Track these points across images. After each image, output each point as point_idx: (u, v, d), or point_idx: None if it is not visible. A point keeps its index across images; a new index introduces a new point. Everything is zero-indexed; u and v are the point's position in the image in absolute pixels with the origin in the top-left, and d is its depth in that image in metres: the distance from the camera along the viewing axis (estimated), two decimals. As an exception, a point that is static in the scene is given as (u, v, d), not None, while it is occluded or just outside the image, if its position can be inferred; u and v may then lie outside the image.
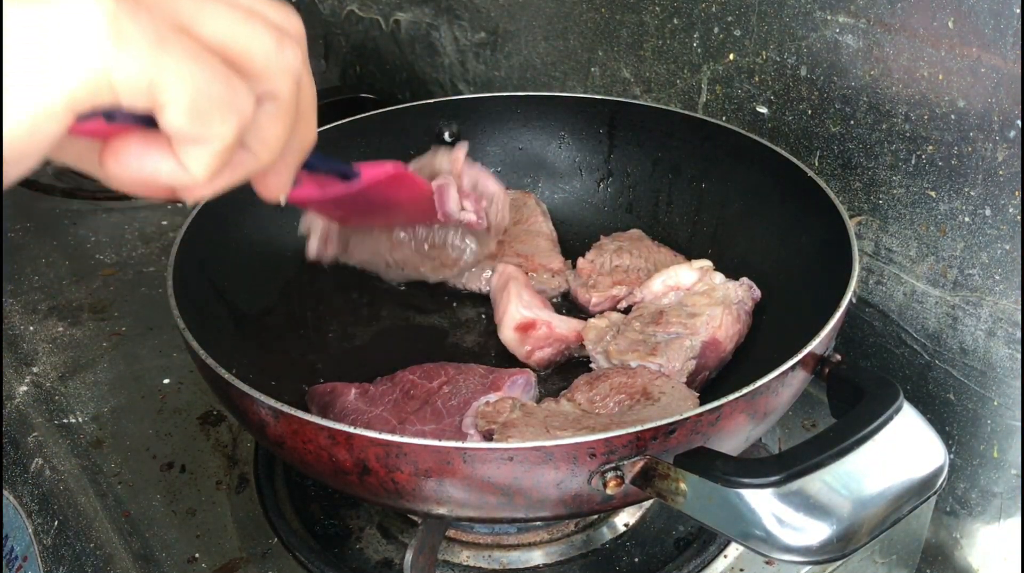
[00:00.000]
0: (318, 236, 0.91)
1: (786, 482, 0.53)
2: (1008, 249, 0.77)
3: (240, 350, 0.82)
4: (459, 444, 0.56)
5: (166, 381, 0.96)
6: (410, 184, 0.81)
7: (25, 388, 0.97)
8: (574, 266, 0.99)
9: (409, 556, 0.67)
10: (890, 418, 0.59)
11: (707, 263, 0.90)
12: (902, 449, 0.58)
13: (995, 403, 0.83)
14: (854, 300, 0.93)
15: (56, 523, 0.81)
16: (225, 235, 0.89)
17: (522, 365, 0.88)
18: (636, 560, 0.76)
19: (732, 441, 0.63)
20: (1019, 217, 0.76)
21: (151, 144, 0.41)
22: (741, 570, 0.75)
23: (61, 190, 1.34)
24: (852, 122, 0.87)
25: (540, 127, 1.07)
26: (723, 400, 0.59)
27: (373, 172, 0.71)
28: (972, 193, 0.79)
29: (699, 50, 1.00)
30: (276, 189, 0.51)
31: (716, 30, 0.97)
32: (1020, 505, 0.85)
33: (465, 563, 0.76)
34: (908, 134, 0.82)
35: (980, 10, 0.72)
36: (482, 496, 0.58)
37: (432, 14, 1.41)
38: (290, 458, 0.64)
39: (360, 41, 1.59)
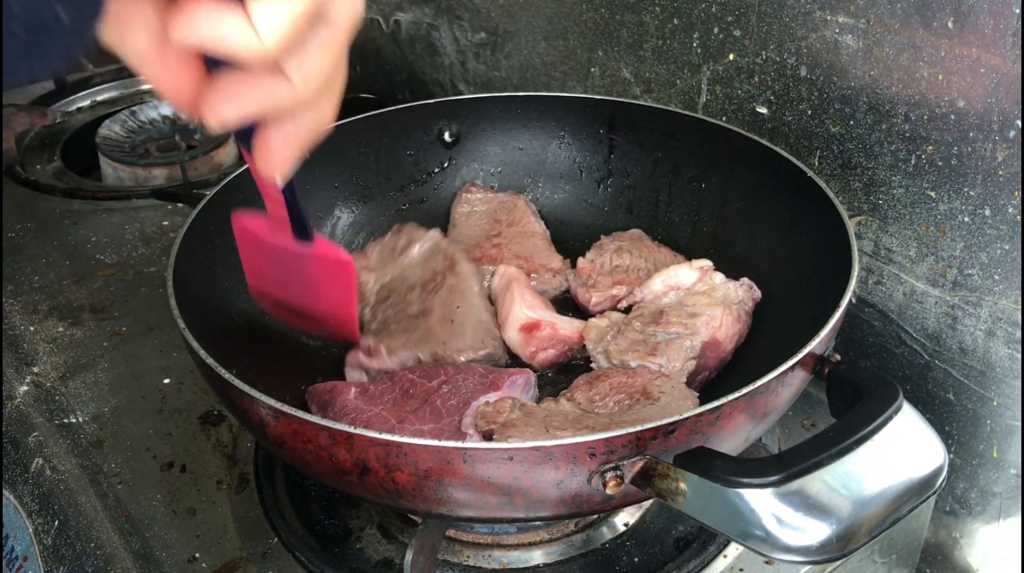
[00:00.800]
0: None
1: (786, 482, 0.54)
2: (1008, 249, 0.77)
3: (240, 350, 0.82)
4: (459, 444, 0.56)
5: (166, 381, 0.97)
6: (346, 289, 0.73)
7: (25, 388, 0.97)
8: (573, 266, 0.99)
9: (409, 556, 0.67)
10: (890, 418, 0.59)
11: (707, 263, 0.90)
12: (902, 449, 0.58)
13: (995, 403, 0.83)
14: (854, 300, 0.93)
15: (56, 523, 0.81)
16: (225, 235, 0.89)
17: (522, 365, 0.88)
18: (636, 560, 0.76)
19: (732, 441, 0.63)
20: (1019, 217, 0.76)
21: (224, 4, 0.39)
22: (741, 570, 0.75)
23: (61, 190, 1.34)
24: (852, 122, 0.87)
25: (540, 127, 1.07)
26: (723, 400, 0.59)
27: (329, 248, 0.67)
28: (972, 193, 0.79)
29: (699, 50, 1.00)
30: (279, 160, 0.49)
31: (716, 30, 0.97)
32: (1020, 505, 0.85)
33: (465, 563, 0.76)
34: (908, 134, 0.82)
35: (980, 10, 0.72)
36: (482, 496, 0.58)
37: (432, 14, 1.41)
38: (290, 458, 0.64)
39: (360, 41, 1.59)
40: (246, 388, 0.61)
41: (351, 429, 0.57)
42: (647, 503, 0.80)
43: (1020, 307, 0.78)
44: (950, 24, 0.75)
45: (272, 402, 0.60)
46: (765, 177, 0.90)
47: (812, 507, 0.53)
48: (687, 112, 1.00)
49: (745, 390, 0.59)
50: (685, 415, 0.57)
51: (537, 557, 0.77)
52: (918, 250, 0.85)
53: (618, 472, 0.57)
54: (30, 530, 0.83)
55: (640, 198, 1.04)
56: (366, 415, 0.76)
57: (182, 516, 0.80)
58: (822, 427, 0.72)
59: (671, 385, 0.78)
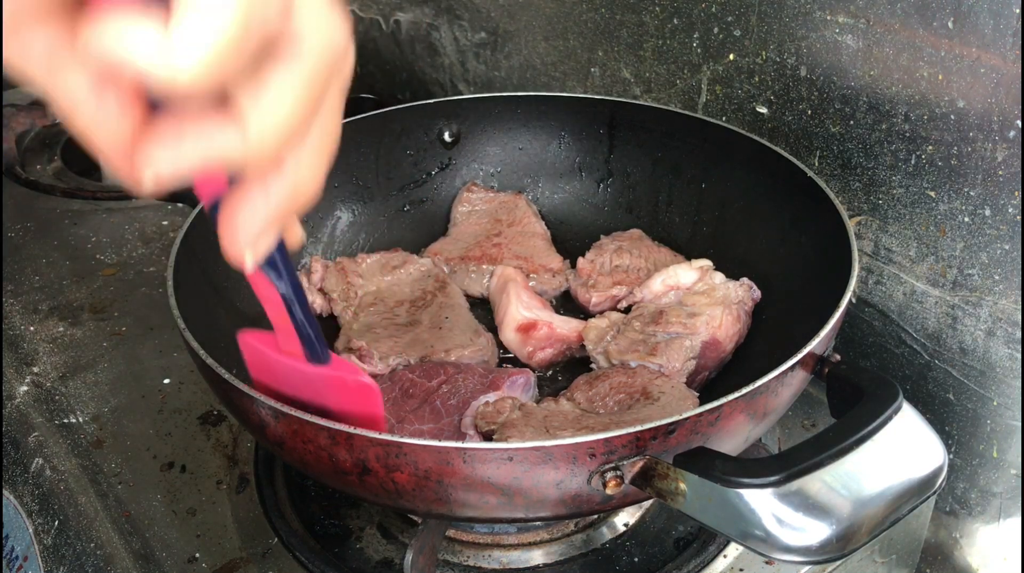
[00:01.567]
0: (313, 297, 0.94)
1: (786, 482, 0.54)
2: (1008, 249, 0.77)
3: (240, 350, 0.82)
4: (459, 444, 0.56)
5: (166, 381, 0.96)
6: (370, 411, 0.60)
7: (25, 388, 0.97)
8: (573, 266, 0.99)
9: (409, 556, 0.67)
10: (890, 418, 0.59)
11: (707, 263, 0.90)
12: (902, 449, 0.58)
13: (995, 403, 0.83)
14: (854, 300, 0.93)
15: (56, 523, 0.81)
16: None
17: (522, 366, 0.88)
18: (636, 560, 0.76)
19: (732, 441, 0.63)
20: (1019, 217, 0.76)
21: (143, 9, 0.31)
22: (741, 570, 0.75)
23: (61, 190, 1.34)
24: (852, 122, 0.87)
25: (540, 127, 1.07)
26: (723, 400, 0.59)
27: (348, 371, 0.57)
28: (972, 193, 0.79)
29: (699, 50, 1.00)
30: (245, 236, 0.38)
31: (716, 30, 0.97)
32: (1020, 505, 0.85)
33: (465, 563, 0.76)
34: (908, 134, 0.82)
35: (980, 10, 0.72)
36: (482, 496, 0.58)
37: (432, 14, 1.41)
38: (290, 458, 0.64)
39: (360, 41, 1.59)
40: (246, 388, 0.61)
41: (351, 429, 0.57)
42: (647, 503, 0.80)
43: (1020, 307, 0.78)
44: (950, 24, 0.75)
45: (272, 402, 0.60)
46: (765, 177, 0.90)
47: (812, 507, 0.53)
48: (687, 112, 1.00)
49: (745, 390, 0.59)
50: (685, 415, 0.57)
51: (537, 557, 0.77)
52: (918, 250, 0.85)
53: (618, 472, 0.57)
54: (30, 530, 0.83)
55: (640, 198, 1.04)
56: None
57: (182, 516, 0.80)
58: (822, 427, 0.72)
59: (671, 385, 0.78)
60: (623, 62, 1.11)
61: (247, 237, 0.39)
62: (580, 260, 0.98)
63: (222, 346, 0.69)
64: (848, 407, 0.61)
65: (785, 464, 0.54)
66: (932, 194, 0.82)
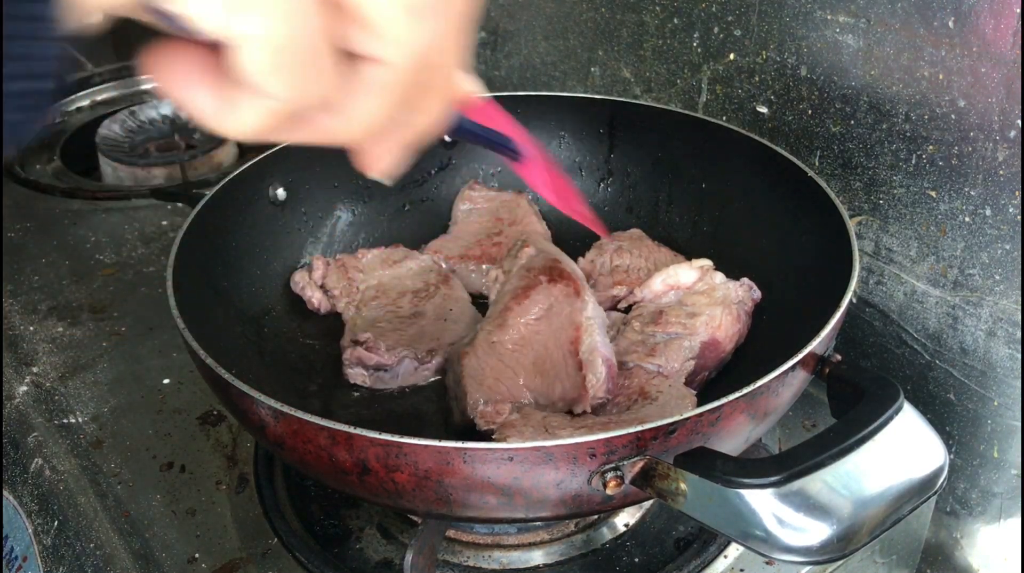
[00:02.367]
0: (314, 294, 0.94)
1: (786, 482, 0.53)
2: (1008, 249, 0.77)
3: (240, 350, 0.82)
4: (459, 444, 0.56)
5: (166, 381, 0.96)
6: (559, 186, 0.69)
7: (25, 388, 0.96)
8: (574, 266, 0.99)
9: (409, 556, 0.67)
10: (890, 418, 0.59)
11: (707, 262, 0.90)
12: (902, 449, 0.58)
13: (995, 403, 0.83)
14: (854, 300, 0.93)
15: (56, 523, 0.81)
16: (225, 235, 0.89)
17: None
18: (636, 560, 0.76)
19: (732, 441, 0.63)
20: (1019, 217, 0.76)
21: (199, 69, 0.34)
22: (741, 570, 0.75)
23: (61, 190, 1.34)
24: (852, 122, 0.87)
25: (540, 127, 1.07)
26: (723, 400, 0.58)
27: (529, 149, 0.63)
28: (972, 193, 0.79)
29: (699, 50, 1.00)
30: (375, 168, 0.43)
31: (716, 30, 0.97)
32: (1020, 505, 0.85)
33: (465, 563, 0.76)
34: (908, 134, 0.82)
35: (980, 10, 0.72)
36: (482, 496, 0.58)
37: (432, 14, 1.41)
38: (290, 458, 0.64)
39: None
40: (246, 388, 0.61)
41: (351, 429, 0.57)
42: (647, 503, 0.80)
43: (1020, 307, 0.78)
44: (951, 24, 0.75)
45: (272, 402, 0.59)
46: (765, 177, 0.90)
47: (813, 507, 0.53)
48: (687, 112, 1.00)
49: (745, 390, 0.59)
50: (686, 415, 0.57)
51: (537, 557, 0.76)
52: (919, 250, 0.85)
53: (618, 472, 0.57)
54: (30, 530, 0.82)
55: (640, 198, 1.04)
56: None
57: (182, 516, 0.80)
58: (822, 427, 0.72)
59: (668, 384, 0.77)
60: (623, 62, 1.11)
61: (379, 168, 0.43)
62: (580, 260, 0.98)
63: (222, 346, 0.69)
64: (849, 407, 0.61)
65: (786, 464, 0.54)
66: (933, 194, 0.82)
